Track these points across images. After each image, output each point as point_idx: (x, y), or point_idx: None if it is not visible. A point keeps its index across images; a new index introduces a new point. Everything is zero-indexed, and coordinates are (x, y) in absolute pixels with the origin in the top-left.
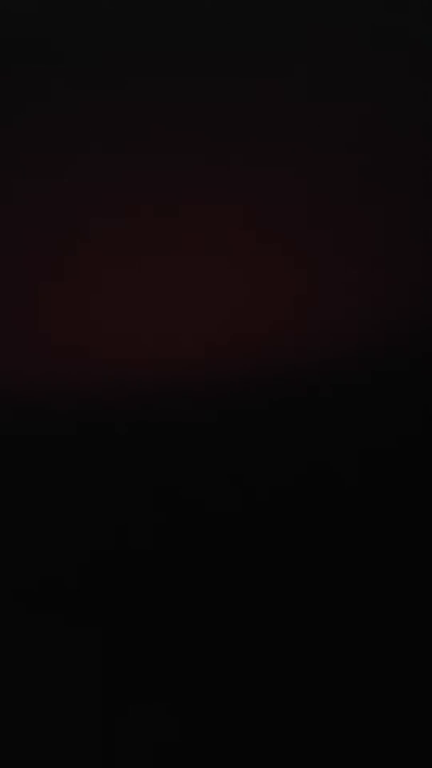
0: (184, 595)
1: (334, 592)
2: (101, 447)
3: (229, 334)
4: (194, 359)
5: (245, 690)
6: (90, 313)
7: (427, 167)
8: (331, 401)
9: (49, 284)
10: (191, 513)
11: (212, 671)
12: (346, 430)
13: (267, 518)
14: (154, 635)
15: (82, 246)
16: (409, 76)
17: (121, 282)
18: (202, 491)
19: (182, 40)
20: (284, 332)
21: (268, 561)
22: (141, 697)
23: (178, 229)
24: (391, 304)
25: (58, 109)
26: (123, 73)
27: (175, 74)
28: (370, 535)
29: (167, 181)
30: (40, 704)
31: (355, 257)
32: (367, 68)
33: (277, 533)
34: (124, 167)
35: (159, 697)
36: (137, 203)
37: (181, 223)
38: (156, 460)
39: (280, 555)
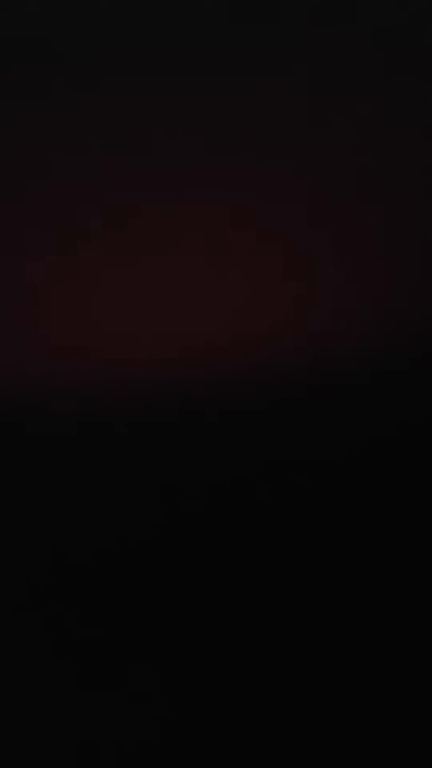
0: (183, 595)
1: (333, 595)
2: (101, 447)
3: (229, 334)
4: (194, 359)
5: (244, 690)
6: (90, 313)
7: (427, 167)
8: (331, 401)
9: (49, 284)
10: (191, 513)
11: (211, 670)
12: (345, 430)
13: (267, 518)
14: (153, 635)
15: (82, 246)
16: (409, 76)
17: (121, 282)
18: (202, 491)
19: (182, 40)
20: (284, 332)
21: (267, 561)
22: (139, 697)
23: (178, 229)
24: (391, 304)
25: (58, 109)
26: (123, 73)
27: (176, 74)
28: (370, 535)
29: (167, 181)
30: (34, 704)
31: (355, 257)
32: (368, 68)
33: (277, 533)
34: (124, 167)
35: (158, 697)
36: (137, 203)
37: (181, 223)
38: (156, 460)
39: (280, 556)
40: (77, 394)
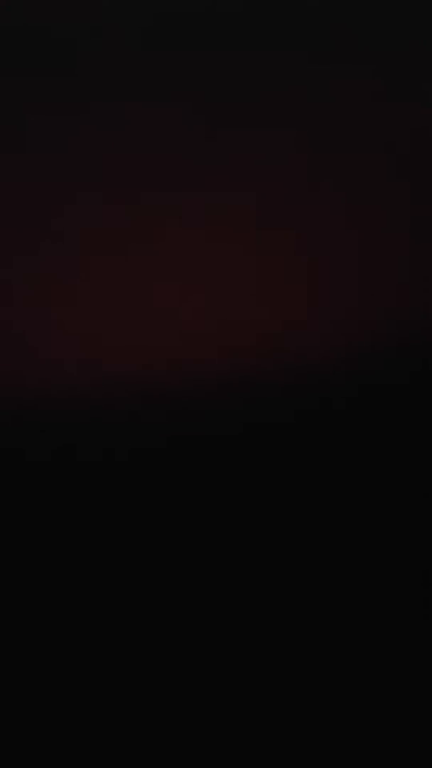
0: (184, 602)
1: (333, 599)
2: (101, 447)
3: (231, 334)
4: (195, 359)
5: (244, 689)
6: (89, 312)
7: (428, 167)
8: (336, 401)
9: (48, 285)
10: (192, 513)
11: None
12: (349, 431)
13: (268, 518)
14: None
15: (82, 246)
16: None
17: (121, 282)
18: (203, 492)
19: (183, 38)
20: (288, 332)
21: (268, 562)
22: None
23: (179, 229)
24: (393, 304)
25: (57, 109)
26: (123, 71)
27: (176, 74)
28: (372, 536)
29: (168, 180)
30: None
31: (358, 257)
32: (368, 68)
33: (277, 534)
34: (124, 166)
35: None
36: (138, 203)
37: (182, 223)
38: (156, 460)
39: (281, 558)
40: (76, 395)
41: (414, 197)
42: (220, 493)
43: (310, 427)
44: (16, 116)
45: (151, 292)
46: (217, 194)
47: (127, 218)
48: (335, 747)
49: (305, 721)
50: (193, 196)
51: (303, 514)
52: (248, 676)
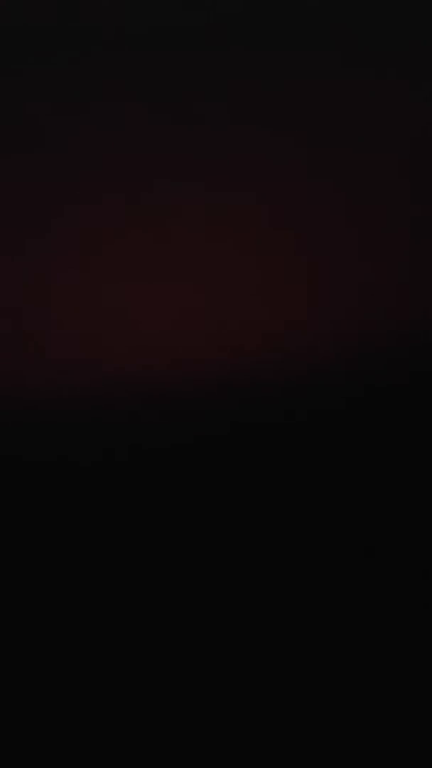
0: (184, 602)
1: (333, 599)
2: (101, 447)
3: (231, 334)
4: (195, 359)
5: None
6: (89, 312)
7: (428, 167)
8: (336, 401)
9: (49, 285)
10: (192, 513)
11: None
12: (349, 431)
13: (268, 518)
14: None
15: (82, 246)
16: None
17: (121, 282)
18: (203, 492)
19: (183, 38)
20: (288, 332)
21: (268, 562)
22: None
23: (180, 230)
24: (393, 304)
25: (57, 109)
26: (123, 71)
27: (176, 74)
28: (372, 536)
29: (168, 180)
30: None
31: (358, 257)
32: (368, 68)
33: (277, 534)
34: (124, 166)
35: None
36: (138, 202)
37: (183, 224)
38: (156, 460)
39: (281, 558)
40: (76, 396)
41: (414, 197)
42: (220, 493)
43: (310, 427)
44: (17, 116)
45: (151, 292)
46: (217, 194)
47: (127, 218)
48: (335, 746)
49: (305, 720)
50: (193, 196)
51: (303, 514)
52: (248, 676)
